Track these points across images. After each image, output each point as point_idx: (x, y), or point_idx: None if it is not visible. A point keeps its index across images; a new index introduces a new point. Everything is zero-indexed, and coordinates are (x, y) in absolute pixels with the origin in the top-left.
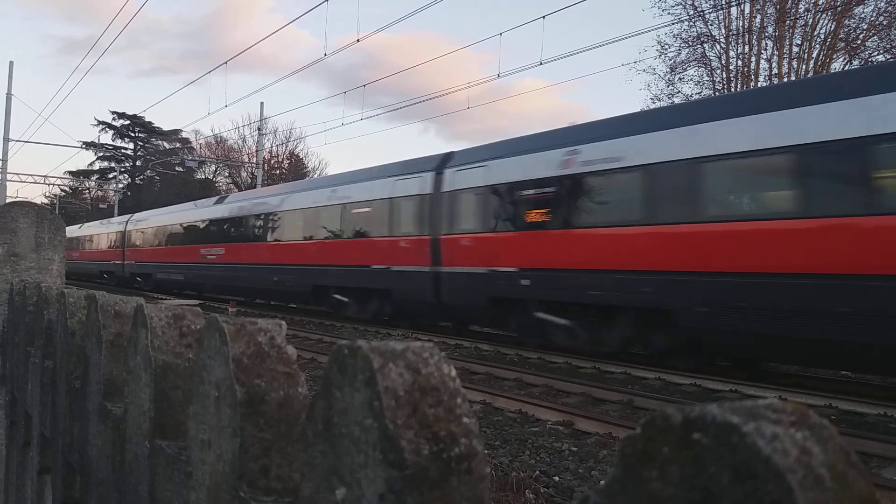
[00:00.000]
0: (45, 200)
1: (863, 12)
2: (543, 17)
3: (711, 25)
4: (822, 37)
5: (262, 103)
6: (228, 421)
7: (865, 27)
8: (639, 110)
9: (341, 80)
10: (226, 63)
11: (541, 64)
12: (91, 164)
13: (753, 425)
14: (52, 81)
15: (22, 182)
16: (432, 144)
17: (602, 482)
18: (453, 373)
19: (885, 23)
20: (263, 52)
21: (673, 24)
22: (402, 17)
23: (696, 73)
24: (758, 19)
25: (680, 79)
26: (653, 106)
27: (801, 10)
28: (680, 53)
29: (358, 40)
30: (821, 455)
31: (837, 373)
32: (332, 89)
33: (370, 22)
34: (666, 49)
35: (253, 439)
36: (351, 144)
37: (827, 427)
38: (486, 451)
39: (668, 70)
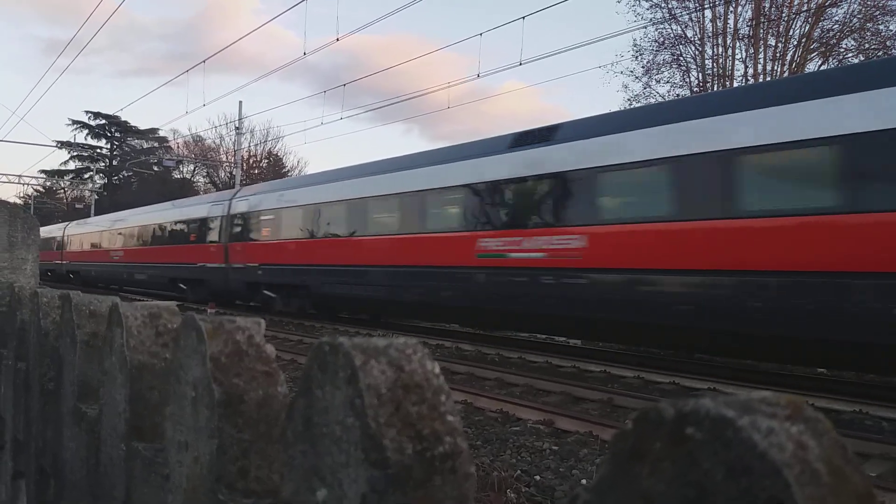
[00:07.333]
0: (19, 200)
1: (836, 14)
2: (523, 17)
3: (685, 27)
4: (797, 38)
5: (240, 102)
6: (206, 422)
7: (839, 28)
8: None
9: (325, 82)
10: (203, 62)
11: (520, 64)
12: (65, 164)
13: (748, 419)
14: (32, 82)
15: None
16: (415, 144)
17: (586, 481)
18: (437, 369)
19: (857, 24)
20: (249, 53)
21: (646, 26)
22: (382, 17)
23: (670, 75)
24: (731, 20)
25: (657, 81)
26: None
27: (773, 15)
28: (655, 56)
29: (337, 39)
30: (817, 449)
31: (813, 370)
32: (315, 90)
33: (352, 23)
34: (641, 53)
35: (231, 440)
36: (330, 144)
37: (822, 421)
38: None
39: (643, 72)
